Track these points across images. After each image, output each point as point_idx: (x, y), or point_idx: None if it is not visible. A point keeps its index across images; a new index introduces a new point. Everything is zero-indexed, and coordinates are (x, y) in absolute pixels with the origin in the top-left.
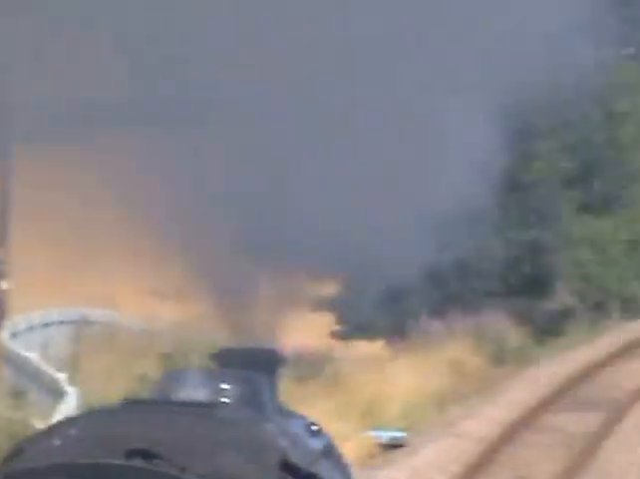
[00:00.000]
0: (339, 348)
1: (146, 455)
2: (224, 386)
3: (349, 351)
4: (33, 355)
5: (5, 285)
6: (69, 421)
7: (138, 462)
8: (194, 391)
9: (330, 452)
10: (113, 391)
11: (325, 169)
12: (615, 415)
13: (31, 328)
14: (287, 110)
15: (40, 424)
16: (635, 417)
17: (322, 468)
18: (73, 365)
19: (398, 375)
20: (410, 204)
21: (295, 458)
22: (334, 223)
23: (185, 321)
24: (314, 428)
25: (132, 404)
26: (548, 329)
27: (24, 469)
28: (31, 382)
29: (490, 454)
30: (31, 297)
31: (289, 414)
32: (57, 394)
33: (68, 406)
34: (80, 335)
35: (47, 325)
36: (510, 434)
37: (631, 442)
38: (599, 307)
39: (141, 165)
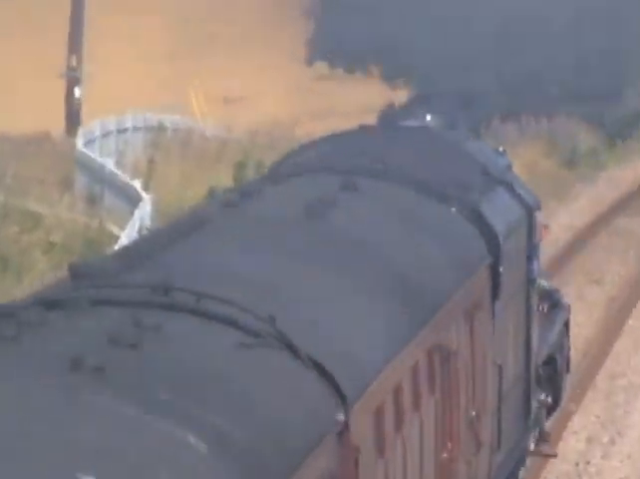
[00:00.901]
0: None
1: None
2: (429, 117)
3: None
4: (108, 161)
5: (79, 92)
6: (310, 143)
7: (377, 166)
8: (408, 121)
9: (510, 169)
10: (187, 198)
11: None
12: None
13: (106, 135)
14: None
15: (115, 230)
16: None
17: (511, 178)
18: (148, 172)
19: None
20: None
21: (491, 169)
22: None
23: (258, 128)
24: (500, 150)
25: (363, 128)
26: (618, 134)
27: (293, 170)
28: (106, 188)
29: (565, 258)
30: (105, 103)
31: (478, 139)
32: (132, 200)
33: (143, 212)
34: (155, 142)
35: (122, 132)
36: (584, 237)
37: None
38: None
39: None
